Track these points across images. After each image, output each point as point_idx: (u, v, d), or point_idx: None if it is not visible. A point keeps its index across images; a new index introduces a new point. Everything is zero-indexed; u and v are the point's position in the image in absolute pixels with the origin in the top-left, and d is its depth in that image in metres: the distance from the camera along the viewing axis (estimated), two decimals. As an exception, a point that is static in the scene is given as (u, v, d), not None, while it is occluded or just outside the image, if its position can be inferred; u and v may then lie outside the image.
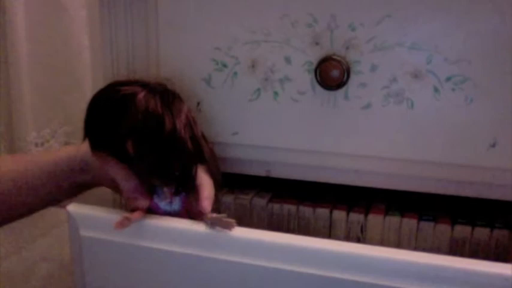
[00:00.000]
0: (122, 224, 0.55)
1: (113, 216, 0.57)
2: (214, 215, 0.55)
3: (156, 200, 0.59)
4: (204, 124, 0.72)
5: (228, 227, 0.55)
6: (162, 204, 0.59)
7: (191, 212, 0.59)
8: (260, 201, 0.76)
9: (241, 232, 0.54)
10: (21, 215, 0.65)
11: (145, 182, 0.58)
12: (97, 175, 0.64)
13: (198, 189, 0.58)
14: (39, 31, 1.04)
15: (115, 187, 0.61)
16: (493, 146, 0.64)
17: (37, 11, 1.03)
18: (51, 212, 0.90)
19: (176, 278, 0.56)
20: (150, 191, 0.59)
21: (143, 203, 0.57)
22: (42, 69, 1.06)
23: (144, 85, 0.57)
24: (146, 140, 0.55)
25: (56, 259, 0.85)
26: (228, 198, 0.77)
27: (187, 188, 0.58)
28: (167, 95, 0.57)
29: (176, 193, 0.58)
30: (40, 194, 0.64)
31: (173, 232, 0.56)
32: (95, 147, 0.58)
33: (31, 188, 0.63)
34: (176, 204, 0.59)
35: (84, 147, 0.61)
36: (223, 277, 0.55)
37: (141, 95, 0.55)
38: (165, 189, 0.58)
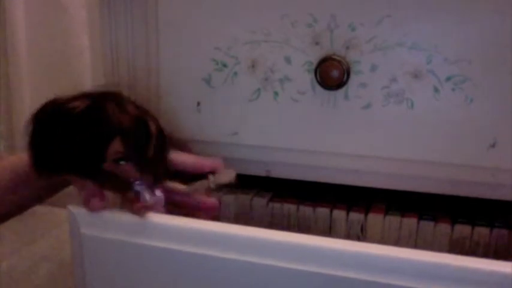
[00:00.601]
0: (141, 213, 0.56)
1: (113, 214, 0.57)
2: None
3: (140, 196, 0.59)
4: (204, 124, 0.72)
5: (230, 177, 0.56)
6: (148, 197, 0.59)
7: (171, 198, 0.60)
8: (260, 201, 0.76)
9: (242, 230, 0.54)
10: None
11: (121, 181, 0.58)
12: None
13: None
14: (39, 31, 1.04)
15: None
16: (493, 146, 0.64)
17: (37, 11, 1.03)
18: (52, 212, 0.90)
19: (177, 276, 0.57)
20: (127, 189, 0.59)
21: (100, 203, 0.57)
22: (42, 69, 1.06)
23: (90, 96, 0.57)
24: (136, 137, 0.55)
25: (57, 259, 0.85)
26: (228, 198, 0.77)
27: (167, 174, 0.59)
28: (128, 99, 0.57)
29: (157, 182, 0.58)
30: (6, 194, 0.62)
31: (174, 230, 0.56)
32: (46, 166, 0.55)
33: (7, 187, 0.62)
34: (158, 192, 0.59)
35: None
36: (223, 275, 0.55)
37: (110, 103, 0.55)
38: (140, 181, 0.58)
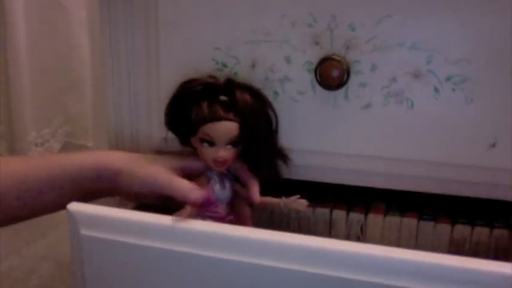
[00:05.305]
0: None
1: (113, 215, 0.57)
2: (288, 199, 0.64)
3: (214, 187, 0.64)
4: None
5: (301, 206, 0.64)
6: (218, 191, 0.64)
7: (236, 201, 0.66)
8: (260, 201, 0.76)
9: (241, 231, 0.54)
10: (21, 218, 0.64)
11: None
12: (113, 185, 0.63)
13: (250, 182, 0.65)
14: (39, 31, 1.04)
15: (133, 197, 0.65)
16: (493, 146, 0.64)
17: (37, 11, 1.03)
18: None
19: (176, 277, 0.57)
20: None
21: (199, 193, 0.61)
22: (42, 69, 1.06)
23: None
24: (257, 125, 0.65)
25: (56, 259, 0.85)
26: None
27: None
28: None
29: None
30: (43, 198, 0.63)
31: (173, 231, 0.56)
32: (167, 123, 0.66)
33: (33, 191, 0.62)
34: (227, 191, 0.65)
35: (99, 155, 0.64)
36: (223, 276, 0.55)
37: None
38: (216, 176, 0.65)
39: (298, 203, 0.64)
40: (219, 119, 0.62)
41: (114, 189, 0.64)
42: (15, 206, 0.62)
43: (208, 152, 0.63)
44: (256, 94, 0.65)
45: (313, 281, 0.51)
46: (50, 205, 0.64)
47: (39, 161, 0.66)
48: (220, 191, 0.65)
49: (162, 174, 0.62)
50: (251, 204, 0.64)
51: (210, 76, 0.65)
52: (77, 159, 0.64)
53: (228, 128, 0.62)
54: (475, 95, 0.63)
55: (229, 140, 0.62)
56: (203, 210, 0.62)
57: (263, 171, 0.66)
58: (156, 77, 0.72)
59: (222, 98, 0.63)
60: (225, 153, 0.62)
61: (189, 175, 0.64)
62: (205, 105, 0.62)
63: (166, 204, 0.63)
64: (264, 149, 0.65)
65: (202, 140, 0.62)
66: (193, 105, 0.63)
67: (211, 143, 0.62)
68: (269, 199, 0.65)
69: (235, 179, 0.67)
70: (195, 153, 0.65)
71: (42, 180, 0.62)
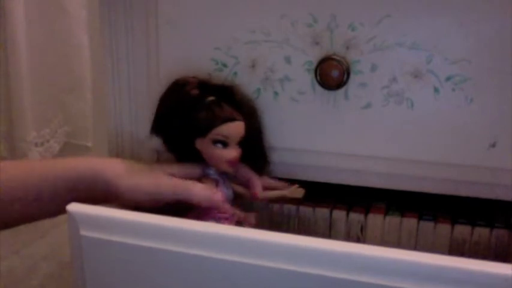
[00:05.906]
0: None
1: (113, 216, 0.57)
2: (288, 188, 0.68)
3: (221, 187, 0.66)
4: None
5: (300, 194, 0.68)
6: (225, 190, 0.66)
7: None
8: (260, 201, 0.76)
9: (241, 232, 0.54)
10: (18, 223, 0.64)
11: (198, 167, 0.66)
12: (110, 194, 0.63)
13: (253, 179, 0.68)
14: (39, 31, 1.04)
15: (130, 204, 0.64)
16: (493, 146, 0.64)
17: (37, 11, 1.03)
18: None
19: (176, 278, 0.57)
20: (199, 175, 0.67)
21: (220, 194, 0.64)
22: (42, 69, 1.06)
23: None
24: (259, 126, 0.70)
25: (56, 259, 0.85)
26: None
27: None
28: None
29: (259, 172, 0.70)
30: (40, 204, 0.63)
31: (173, 232, 0.56)
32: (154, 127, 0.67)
33: (30, 197, 0.62)
34: (230, 191, 0.68)
35: (97, 163, 0.64)
36: (223, 277, 0.55)
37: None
38: (219, 177, 0.66)
39: (298, 191, 0.68)
40: (233, 119, 0.63)
41: (111, 197, 0.64)
42: (13, 211, 0.62)
43: (222, 153, 0.64)
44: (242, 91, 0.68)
45: (312, 281, 0.51)
46: (48, 210, 0.64)
47: (36, 166, 0.65)
48: (227, 191, 0.66)
49: (171, 181, 0.63)
50: (255, 199, 0.68)
51: (193, 77, 0.66)
52: (74, 165, 0.64)
53: (240, 127, 0.64)
54: (475, 95, 0.63)
55: (239, 139, 0.64)
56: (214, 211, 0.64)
57: (262, 167, 0.69)
58: (156, 77, 0.72)
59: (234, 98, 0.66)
60: (237, 152, 0.64)
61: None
62: (216, 106, 0.63)
63: (165, 206, 0.63)
64: (263, 146, 0.69)
65: (216, 141, 0.63)
66: (196, 108, 0.63)
67: (225, 144, 0.63)
68: (271, 193, 0.68)
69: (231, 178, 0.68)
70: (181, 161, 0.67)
71: (39, 186, 0.62)
